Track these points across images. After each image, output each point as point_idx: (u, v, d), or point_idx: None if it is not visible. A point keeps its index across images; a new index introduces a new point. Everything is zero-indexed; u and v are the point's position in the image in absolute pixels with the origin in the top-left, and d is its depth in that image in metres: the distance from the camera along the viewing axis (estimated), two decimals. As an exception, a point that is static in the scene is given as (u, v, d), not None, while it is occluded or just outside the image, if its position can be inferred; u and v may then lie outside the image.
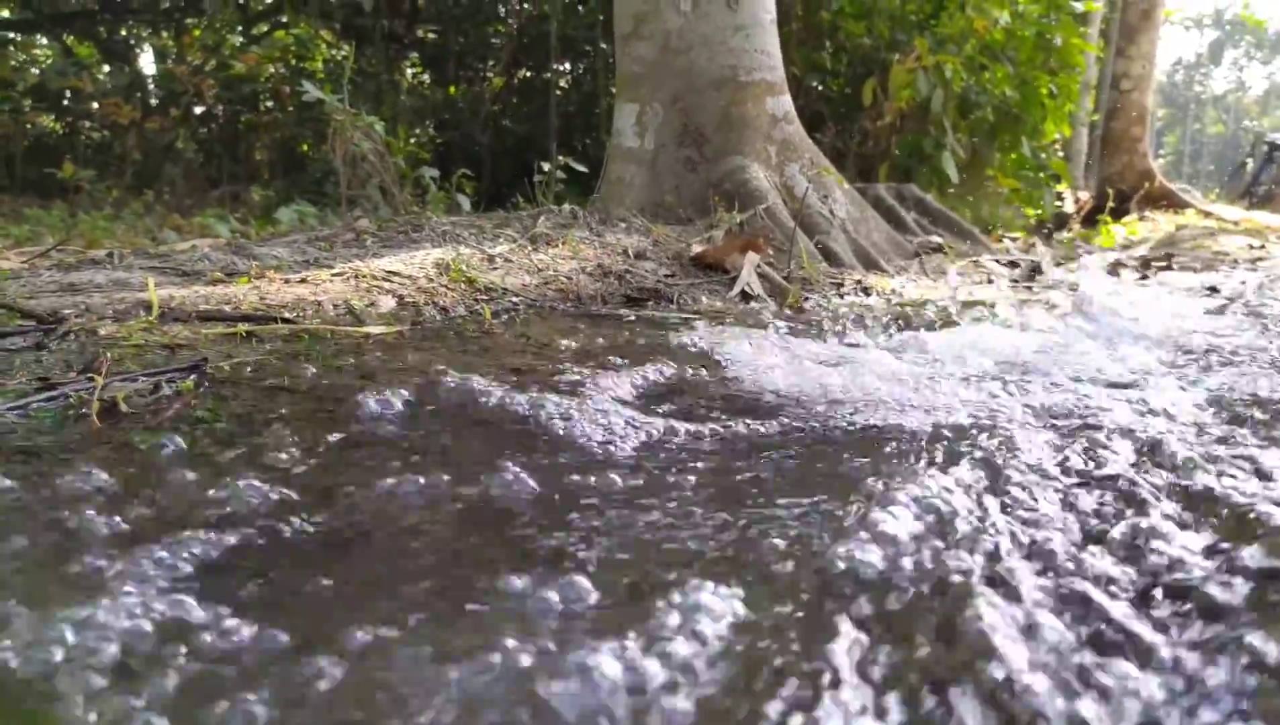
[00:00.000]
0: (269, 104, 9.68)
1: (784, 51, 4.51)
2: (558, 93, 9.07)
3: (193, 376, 1.63)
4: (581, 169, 6.49)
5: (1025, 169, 7.25)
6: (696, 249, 3.46)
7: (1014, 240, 6.15)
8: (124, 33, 10.73)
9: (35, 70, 10.13)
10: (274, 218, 6.38)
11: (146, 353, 1.83)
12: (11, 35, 10.28)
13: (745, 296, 3.19)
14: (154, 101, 9.67)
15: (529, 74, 9.82)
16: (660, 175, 4.12)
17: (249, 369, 1.76)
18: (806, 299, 3.25)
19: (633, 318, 2.74)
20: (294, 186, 8.30)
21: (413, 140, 8.07)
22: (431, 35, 9.72)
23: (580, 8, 9.51)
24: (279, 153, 9.31)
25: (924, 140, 6.62)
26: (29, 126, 10.01)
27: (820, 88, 7.68)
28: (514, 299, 2.82)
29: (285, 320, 2.21)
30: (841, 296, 3.38)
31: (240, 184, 8.27)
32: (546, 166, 6.33)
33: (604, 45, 8.95)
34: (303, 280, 2.66)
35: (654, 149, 4.16)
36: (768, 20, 4.28)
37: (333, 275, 2.73)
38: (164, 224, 6.21)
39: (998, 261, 4.72)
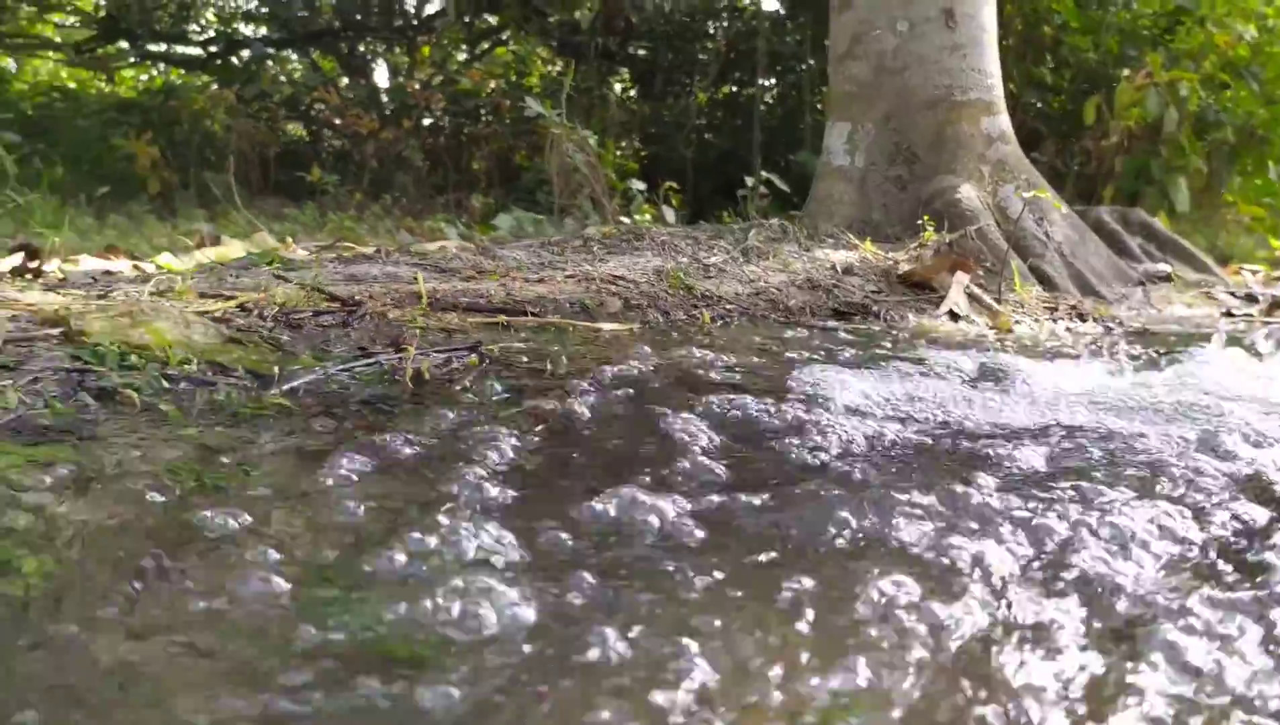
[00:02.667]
0: (488, 117, 10.47)
1: (1002, 67, 4.53)
2: (762, 108, 9.30)
3: (473, 354, 1.97)
4: (782, 186, 6.68)
5: (1271, 195, 6.77)
6: (904, 267, 3.57)
7: (1254, 272, 5.79)
8: (362, 49, 11.93)
9: (286, 83, 11.45)
10: (493, 224, 6.95)
11: (427, 334, 2.19)
12: (270, 51, 11.66)
13: (953, 316, 3.28)
14: (386, 113, 10.69)
15: (734, 89, 10.11)
16: (869, 193, 4.25)
17: (511, 351, 2.08)
18: (1017, 322, 3.29)
19: (840, 330, 2.91)
20: (509, 195, 8.97)
21: (619, 153, 8.53)
22: (642, 51, 10.21)
23: (789, 24, 9.71)
24: (495, 163, 10.05)
25: (1152, 162, 6.34)
26: (281, 135, 11.29)
27: (1039, 105, 7.48)
28: (727, 307, 3.06)
29: (531, 313, 2.55)
30: (1055, 321, 3.40)
31: (462, 191, 9.02)
32: (750, 181, 6.56)
33: (811, 62, 9.09)
34: (540, 280, 3.02)
35: (864, 167, 4.29)
36: (986, 39, 4.33)
37: (566, 277, 3.07)
38: (400, 226, 6.93)
39: (1233, 294, 4.51)
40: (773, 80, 9.67)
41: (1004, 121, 4.33)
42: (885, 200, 4.20)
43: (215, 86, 11.00)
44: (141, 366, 1.63)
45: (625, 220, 6.47)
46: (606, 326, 2.53)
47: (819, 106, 8.98)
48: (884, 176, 4.25)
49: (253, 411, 1.53)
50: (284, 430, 1.46)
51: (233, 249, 3.54)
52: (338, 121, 10.67)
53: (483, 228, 6.76)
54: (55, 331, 1.71)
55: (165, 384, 1.59)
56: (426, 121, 10.49)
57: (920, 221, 3.84)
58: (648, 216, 7.00)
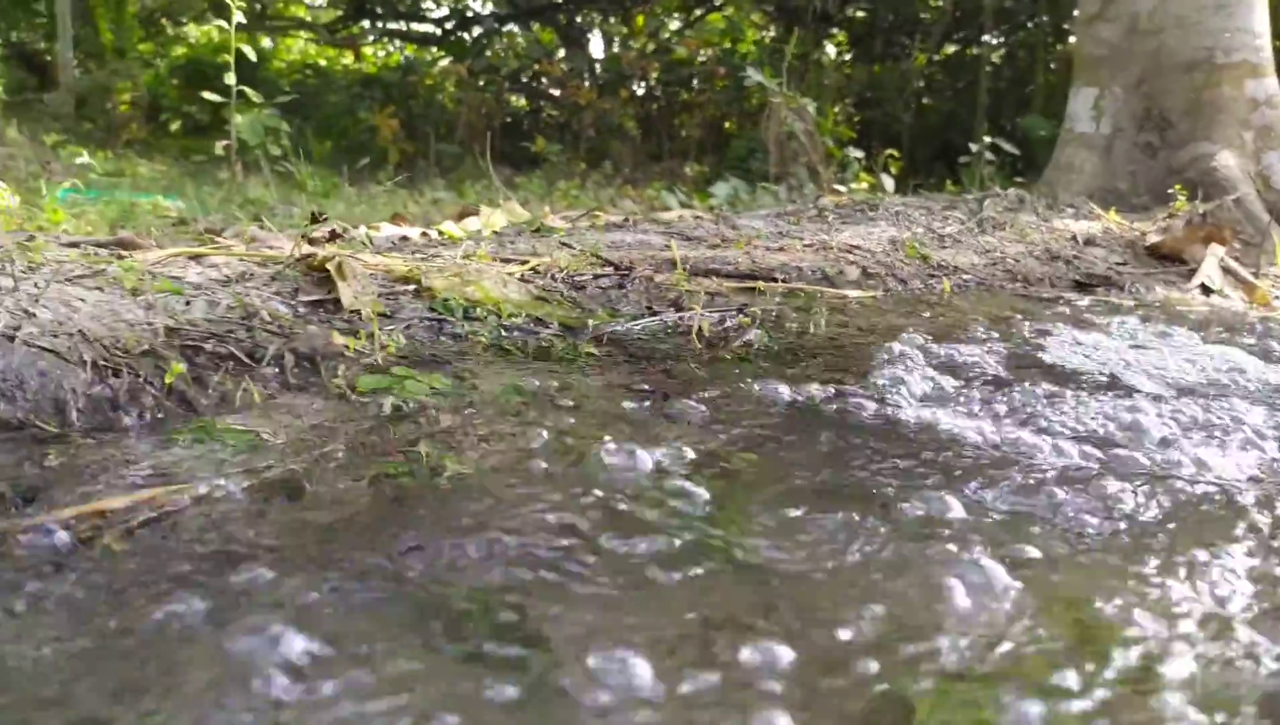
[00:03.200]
0: (700, 85, 10.72)
1: (1272, 25, 4.27)
2: (987, 69, 9.00)
3: (742, 315, 2.23)
4: (1012, 150, 6.51)
5: None
6: (1152, 238, 3.52)
7: None
8: (579, 20, 12.46)
9: (511, 56, 12.17)
10: (710, 192, 7.21)
11: (693, 296, 2.47)
12: (496, 26, 12.42)
13: (1205, 290, 3.22)
14: (602, 83, 11.16)
15: (957, 49, 9.83)
16: (1115, 161, 4.16)
17: (770, 315, 2.32)
18: (1277, 298, 3.19)
19: (1084, 302, 2.95)
20: (720, 162, 9.21)
21: (835, 119, 8.55)
22: (860, 13, 10.10)
23: (1021, -23, 9.32)
24: (707, 130, 10.31)
25: None
26: (505, 106, 12.03)
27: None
28: (964, 276, 3.16)
29: (779, 280, 2.78)
30: (1323, 297, 3.26)
31: (675, 159, 9.35)
32: (974, 147, 6.45)
33: (1045, 18, 8.71)
34: (780, 248, 3.24)
35: (1109, 134, 4.20)
36: (1256, -6, 4.10)
37: (804, 246, 3.27)
38: (620, 194, 7.33)
39: None
40: (1000, 39, 9.32)
41: (1271, 85, 4.10)
42: (1132, 168, 4.10)
43: (447, 61, 11.89)
44: (482, 317, 1.99)
45: (840, 188, 6.54)
46: (852, 293, 2.72)
47: (1052, 66, 8.60)
48: (1132, 143, 4.15)
49: (572, 356, 1.85)
50: (602, 370, 1.77)
51: (497, 218, 3.97)
52: (557, 92, 11.27)
53: (700, 196, 7.04)
54: (408, 288, 2.12)
55: (502, 332, 1.95)
56: (640, 90, 10.89)
57: (1171, 191, 3.74)
58: (864, 185, 7.02)
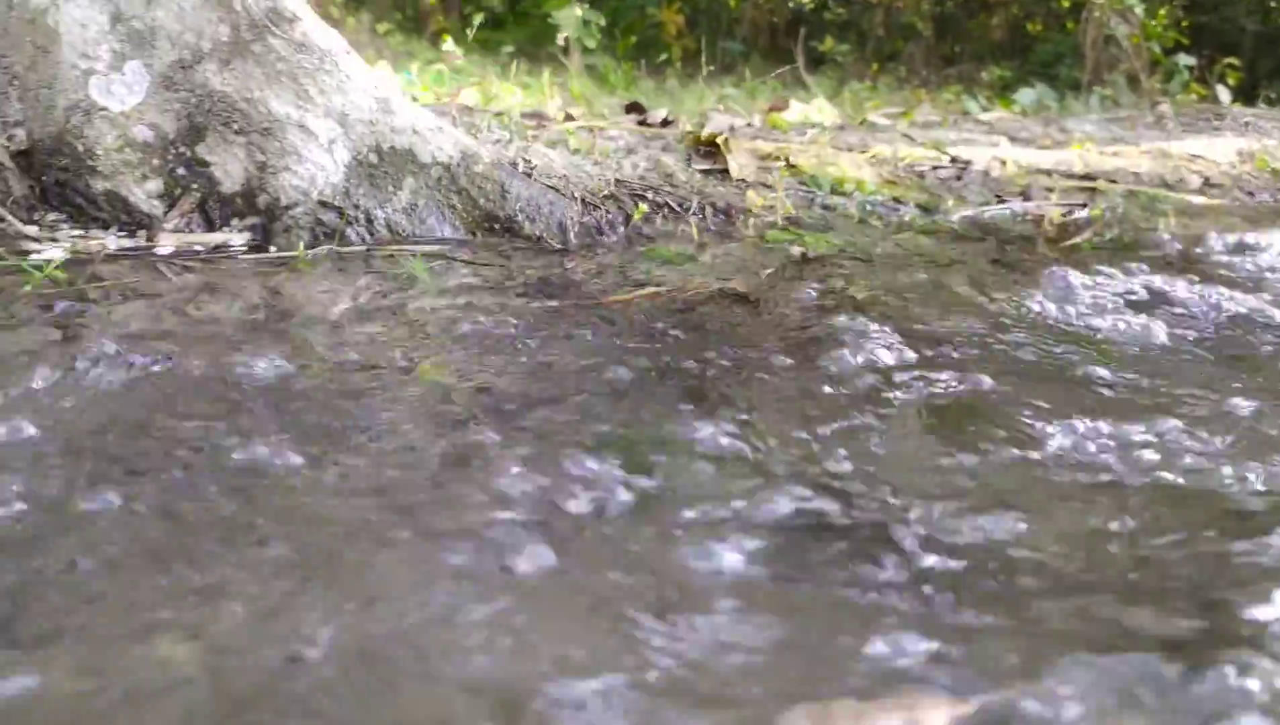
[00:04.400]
0: (1004, -18, 10.20)
1: None
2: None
3: (1086, 208, 2.40)
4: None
5: None
6: None
7: None
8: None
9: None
10: (1012, 99, 7.03)
11: (1031, 190, 2.65)
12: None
13: None
14: (896, -20, 10.86)
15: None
16: None
17: (1115, 211, 2.47)
18: None
19: None
20: (1023, 68, 8.84)
21: (1162, 22, 7.95)
22: (1205, -98, 9.17)
23: None
24: (1007, 33, 9.87)
25: None
26: (790, 3, 12.01)
27: None
28: (1321, 193, 3.08)
29: (1115, 182, 2.88)
30: None
31: (972, 63, 9.08)
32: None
33: None
34: (1115, 153, 3.29)
35: None
36: None
37: (1140, 152, 3.30)
38: (913, 99, 7.31)
39: None
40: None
41: None
42: None
43: (734, -45, 12.03)
44: (847, 193, 2.31)
45: (1163, 101, 6.20)
46: (1196, 200, 2.78)
47: None
48: None
49: (932, 231, 2.13)
50: (962, 242, 2.04)
51: (814, 111, 4.24)
52: (847, -11, 11.10)
53: (1002, 101, 6.89)
54: (777, 164, 2.46)
55: (866, 207, 2.26)
56: (938, -11, 10.53)
57: None
58: (1192, 97, 6.58)
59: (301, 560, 0.76)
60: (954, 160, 2.86)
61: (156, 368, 1.12)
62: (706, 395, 1.12)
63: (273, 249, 1.61)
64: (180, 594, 0.71)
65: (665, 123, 3.93)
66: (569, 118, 3.44)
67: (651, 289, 1.53)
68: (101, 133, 1.60)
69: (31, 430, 0.95)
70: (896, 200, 2.35)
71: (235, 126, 1.63)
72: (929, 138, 3.54)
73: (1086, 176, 2.93)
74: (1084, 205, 2.45)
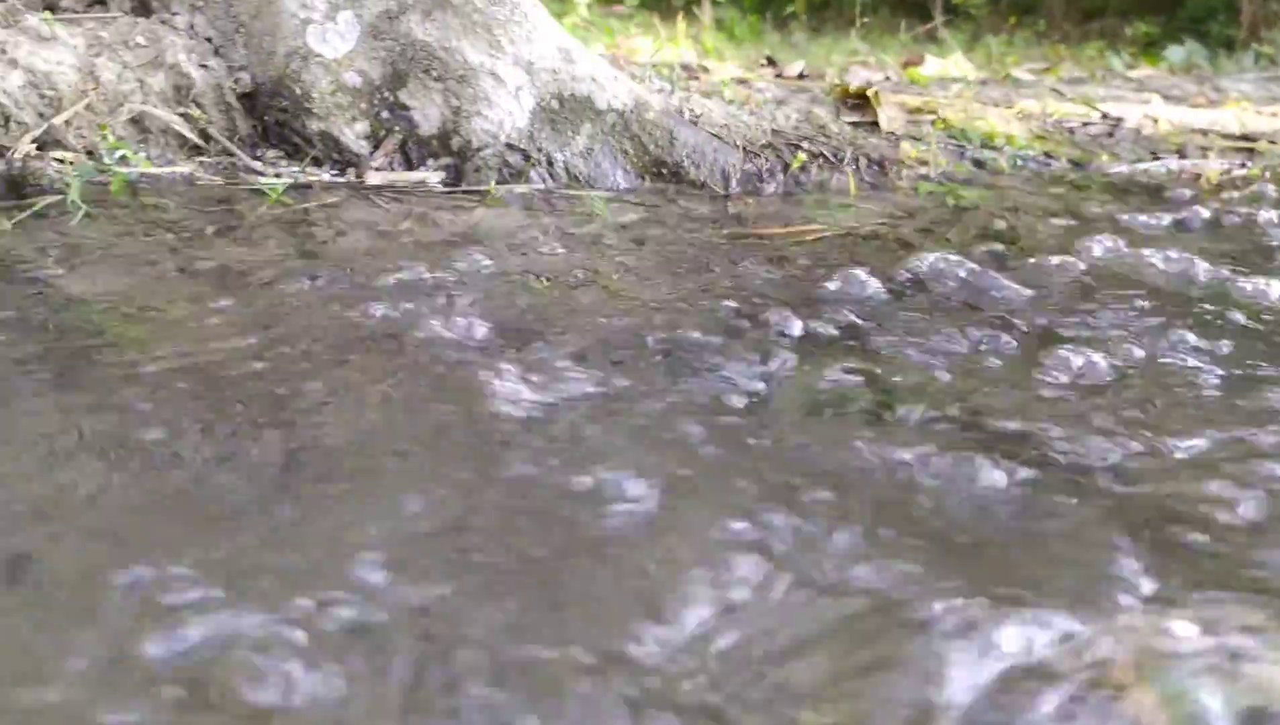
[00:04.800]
0: (1156, -68, 9.71)
1: None
2: None
3: (1247, 166, 2.37)
4: None
5: None
6: None
7: None
8: None
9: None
10: (1158, 55, 6.74)
11: (1185, 148, 2.62)
12: None
13: None
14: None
15: None
16: None
17: (1273, 171, 2.43)
18: None
19: None
20: (1170, 23, 8.44)
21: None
22: None
23: None
24: (1156, -14, 9.40)
25: None
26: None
27: None
28: None
29: (1276, 143, 2.81)
30: None
31: (1115, 18, 8.71)
32: None
33: None
34: (1275, 114, 3.20)
35: None
36: None
37: (1303, 111, 3.19)
38: (1052, 54, 7.08)
39: None
40: None
41: None
42: None
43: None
44: (997, 147, 2.35)
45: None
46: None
47: None
48: None
49: (1085, 186, 2.16)
50: (1116, 196, 2.06)
51: (952, 65, 4.21)
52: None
53: (1148, 59, 6.63)
54: (925, 118, 2.51)
55: (1016, 161, 2.29)
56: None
57: None
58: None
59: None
60: (1104, 116, 2.85)
61: (374, 274, 1.29)
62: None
63: (465, 186, 1.77)
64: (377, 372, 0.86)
65: (801, 76, 3.97)
66: (704, 70, 3.53)
67: (815, 226, 1.63)
68: (317, 77, 1.78)
69: (281, 329, 1.12)
70: (1048, 155, 2.37)
71: (434, 74, 1.79)
72: (1077, 94, 3.50)
73: (1244, 137, 2.87)
74: (1242, 165, 2.42)
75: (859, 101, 2.50)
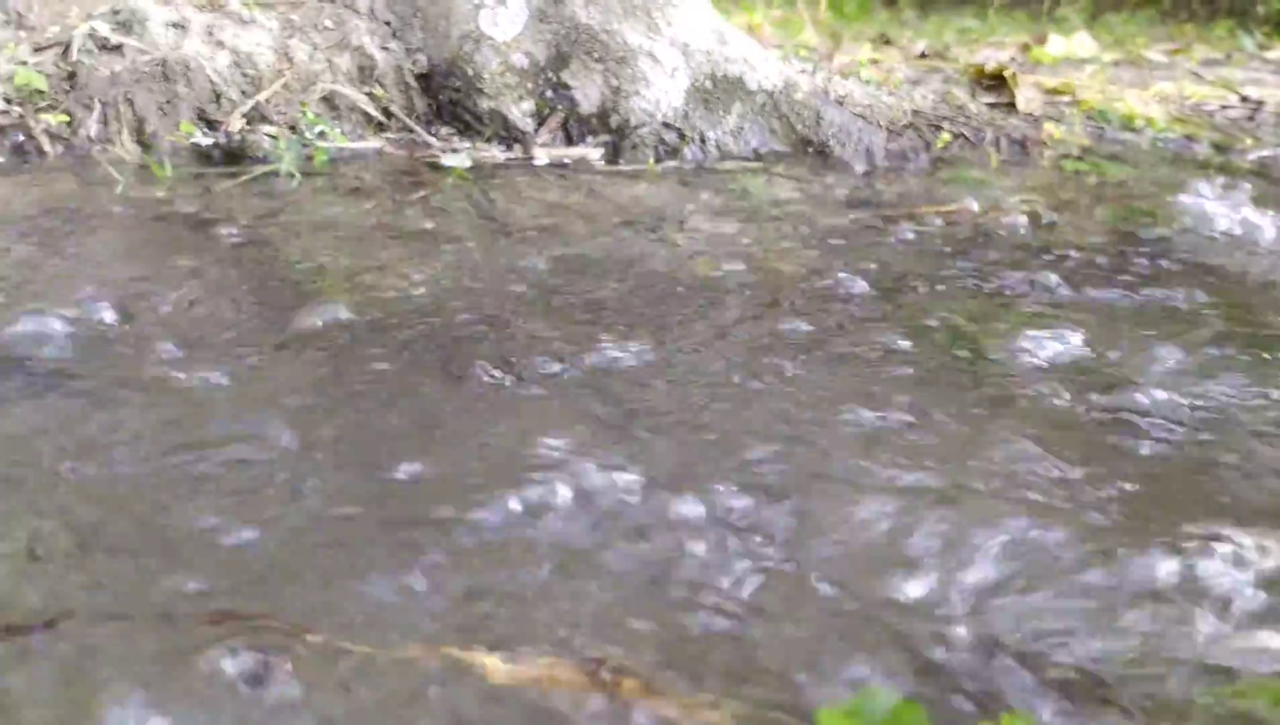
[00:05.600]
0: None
1: None
2: None
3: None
4: None
5: None
6: None
7: None
8: None
9: None
10: (1293, 34, 6.49)
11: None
12: None
13: None
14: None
15: None
16: None
17: None
18: None
19: None
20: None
21: None
22: None
23: None
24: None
25: None
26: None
27: None
28: None
29: None
30: None
31: (1247, -5, 8.36)
32: None
33: None
34: None
35: None
36: None
37: None
38: (1178, 33, 6.87)
39: None
40: None
41: None
42: None
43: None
44: (1137, 130, 2.37)
45: None
46: None
47: None
48: None
49: (1229, 169, 2.17)
50: (1270, 180, 2.07)
51: (1078, 46, 4.17)
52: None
53: (1284, 38, 6.38)
54: (1063, 99, 2.54)
55: (1156, 143, 2.31)
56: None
57: None
58: None
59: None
60: (1244, 100, 2.82)
61: (553, 244, 1.42)
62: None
63: (622, 162, 1.89)
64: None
65: (923, 55, 3.98)
66: (834, 50, 3.58)
67: (961, 204, 1.71)
68: (487, 59, 1.92)
69: (472, 282, 1.25)
70: (1188, 138, 2.38)
71: (595, 55, 1.91)
72: (1216, 76, 3.44)
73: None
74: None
75: (994, 82, 2.54)
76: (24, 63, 1.69)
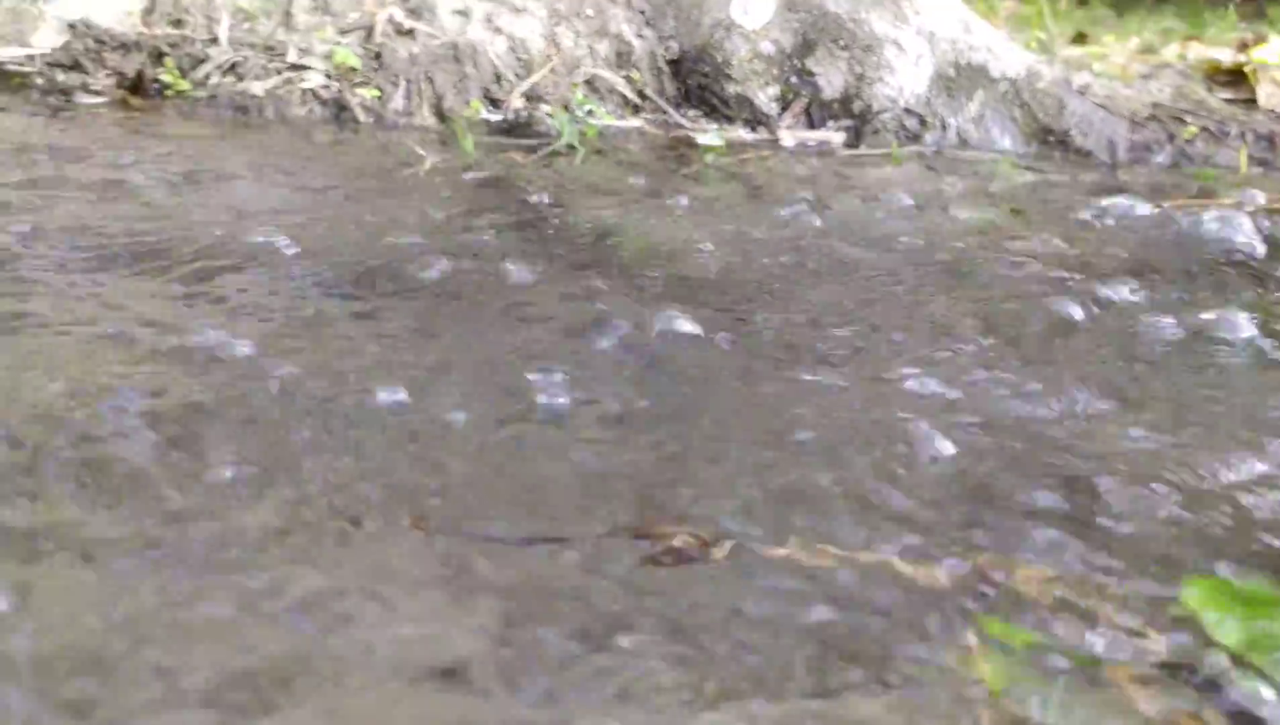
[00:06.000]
0: None
1: None
2: None
3: None
4: None
5: None
6: None
7: None
8: None
9: None
10: None
11: None
12: None
13: None
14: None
15: None
16: None
17: None
18: None
19: None
20: None
21: None
22: None
23: None
24: None
25: None
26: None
27: None
28: None
29: None
30: None
31: None
32: None
33: None
34: None
35: None
36: None
37: None
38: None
39: None
40: None
41: None
42: None
43: None
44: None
45: None
46: None
47: None
48: None
49: None
50: None
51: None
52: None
53: None
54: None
55: None
56: None
57: None
58: None
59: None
60: None
61: (811, 215, 1.51)
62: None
63: (863, 146, 1.98)
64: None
65: (1146, 52, 3.85)
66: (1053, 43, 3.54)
67: (1220, 199, 1.72)
68: (736, 46, 2.04)
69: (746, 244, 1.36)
70: None
71: (841, 43, 2.01)
72: None
73: None
74: None
75: (1231, 78, 2.48)
76: (338, 43, 1.91)
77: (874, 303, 1.18)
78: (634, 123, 1.98)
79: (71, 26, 1.88)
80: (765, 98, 2.04)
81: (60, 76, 1.83)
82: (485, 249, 1.26)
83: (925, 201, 1.65)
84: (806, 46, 2.03)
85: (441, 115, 1.86)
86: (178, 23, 2.00)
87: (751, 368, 0.98)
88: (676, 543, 0.67)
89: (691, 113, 2.09)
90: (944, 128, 1.99)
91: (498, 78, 1.96)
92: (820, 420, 0.87)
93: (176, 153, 1.57)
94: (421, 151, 1.67)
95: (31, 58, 1.88)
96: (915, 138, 1.99)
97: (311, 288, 1.09)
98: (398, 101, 1.85)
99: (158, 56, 1.90)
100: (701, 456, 0.80)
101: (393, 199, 1.46)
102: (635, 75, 2.07)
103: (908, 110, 1.99)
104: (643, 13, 2.14)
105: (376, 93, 1.84)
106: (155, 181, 1.42)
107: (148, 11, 2.04)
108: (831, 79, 2.02)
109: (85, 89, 1.83)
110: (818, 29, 2.02)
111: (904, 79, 1.99)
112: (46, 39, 1.95)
